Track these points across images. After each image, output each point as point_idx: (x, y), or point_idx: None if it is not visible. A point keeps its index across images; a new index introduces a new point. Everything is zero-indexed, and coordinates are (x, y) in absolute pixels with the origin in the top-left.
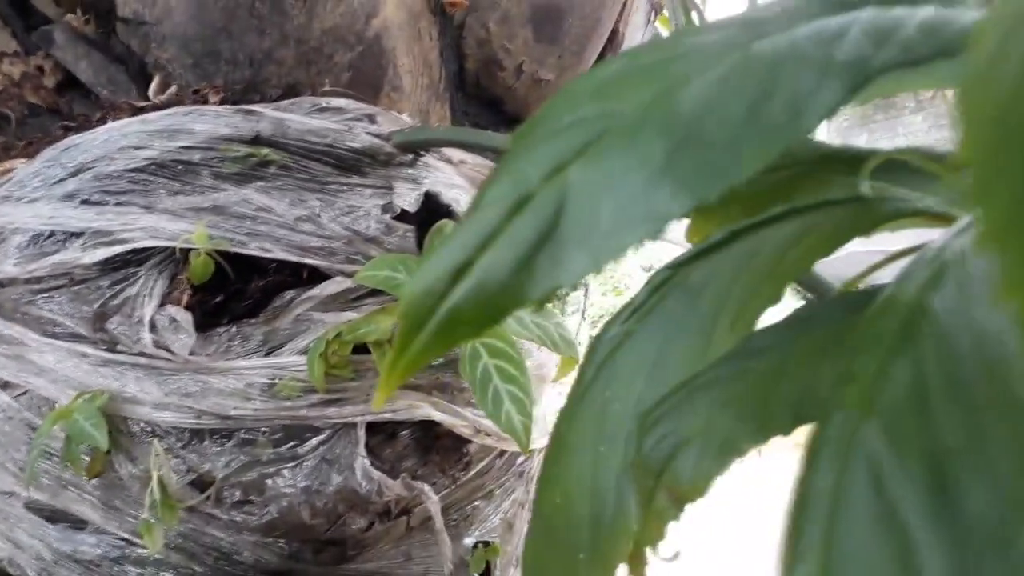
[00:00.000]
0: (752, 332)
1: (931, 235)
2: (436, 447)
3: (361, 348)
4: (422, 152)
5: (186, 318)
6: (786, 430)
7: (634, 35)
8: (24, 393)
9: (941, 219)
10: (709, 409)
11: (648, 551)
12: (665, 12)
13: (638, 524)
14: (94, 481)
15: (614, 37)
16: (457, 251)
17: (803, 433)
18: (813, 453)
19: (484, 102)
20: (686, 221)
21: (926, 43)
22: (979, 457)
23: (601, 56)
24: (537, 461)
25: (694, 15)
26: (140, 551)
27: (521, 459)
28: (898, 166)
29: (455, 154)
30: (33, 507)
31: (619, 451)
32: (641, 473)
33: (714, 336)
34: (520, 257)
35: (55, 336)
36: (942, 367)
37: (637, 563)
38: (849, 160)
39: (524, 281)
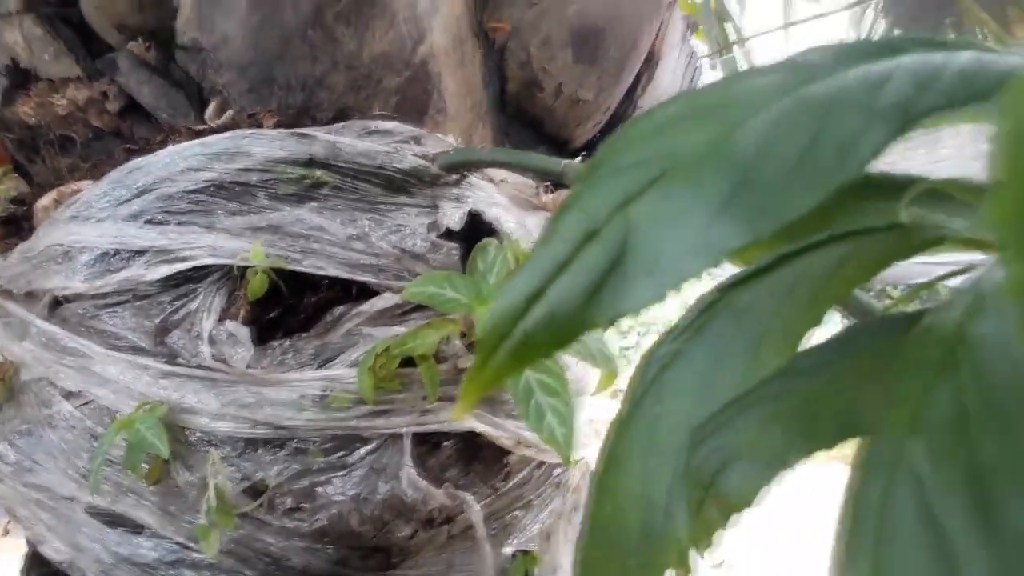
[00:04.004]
0: (798, 352)
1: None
2: (478, 457)
3: (408, 362)
4: (466, 172)
5: (244, 332)
6: (830, 445)
7: (670, 54)
8: (87, 403)
9: (978, 244)
10: (758, 425)
11: (696, 558)
12: (701, 28)
13: (687, 533)
14: (152, 488)
15: (651, 57)
16: (531, 278)
17: (840, 447)
18: (862, 468)
19: (524, 123)
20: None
21: (965, 88)
22: (1017, 475)
23: (638, 76)
24: (574, 473)
25: (729, 28)
26: (195, 555)
27: (558, 470)
28: (935, 193)
29: (497, 174)
30: (94, 512)
31: (669, 464)
32: (691, 485)
33: (760, 356)
34: (589, 285)
35: (118, 349)
36: (981, 393)
37: (684, 570)
38: (887, 186)
39: (592, 308)
